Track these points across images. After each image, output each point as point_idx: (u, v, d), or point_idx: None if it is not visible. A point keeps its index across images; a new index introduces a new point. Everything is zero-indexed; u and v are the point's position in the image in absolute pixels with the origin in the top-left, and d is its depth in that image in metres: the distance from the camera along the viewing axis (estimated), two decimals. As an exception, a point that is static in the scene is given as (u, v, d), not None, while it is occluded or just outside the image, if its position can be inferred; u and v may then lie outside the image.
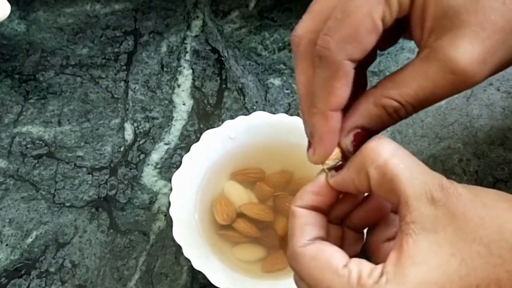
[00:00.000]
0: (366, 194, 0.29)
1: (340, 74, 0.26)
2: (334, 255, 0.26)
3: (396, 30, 0.28)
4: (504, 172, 0.48)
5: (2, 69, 0.54)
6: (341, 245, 0.29)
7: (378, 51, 0.29)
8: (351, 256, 0.29)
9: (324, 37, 0.26)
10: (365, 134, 0.28)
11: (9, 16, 0.50)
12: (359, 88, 0.29)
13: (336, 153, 0.28)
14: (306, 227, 0.28)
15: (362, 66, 0.28)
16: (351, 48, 0.26)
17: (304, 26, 0.28)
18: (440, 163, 0.48)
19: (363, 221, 0.30)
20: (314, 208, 0.28)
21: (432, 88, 0.26)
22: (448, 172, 0.48)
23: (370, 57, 0.29)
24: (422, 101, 0.26)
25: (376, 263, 0.29)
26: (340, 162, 0.28)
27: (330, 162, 0.28)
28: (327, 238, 0.28)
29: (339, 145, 0.28)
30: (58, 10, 0.58)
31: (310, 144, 0.29)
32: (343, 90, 0.26)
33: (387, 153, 0.25)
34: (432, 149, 0.49)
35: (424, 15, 0.26)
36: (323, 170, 0.29)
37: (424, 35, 0.26)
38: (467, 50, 0.25)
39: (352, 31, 0.25)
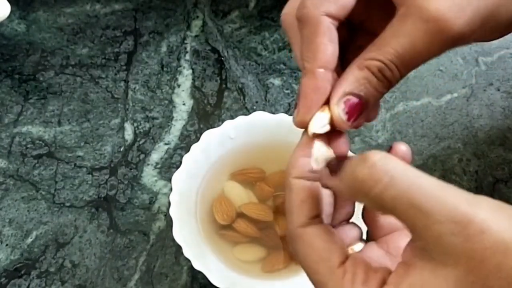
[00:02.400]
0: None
1: (320, 29, 0.26)
2: (332, 248, 0.25)
3: (384, 7, 0.28)
4: (504, 172, 0.48)
5: (2, 69, 0.54)
6: (334, 211, 0.29)
7: None
8: (344, 219, 0.29)
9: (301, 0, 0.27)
10: (358, 103, 0.26)
11: (9, 16, 0.50)
12: None
13: (324, 116, 0.27)
14: (304, 204, 0.26)
15: (359, 50, 0.28)
16: (327, 4, 0.26)
17: (290, 4, 0.29)
18: (440, 163, 0.48)
19: None
20: (312, 173, 0.27)
21: (410, 42, 0.25)
22: (448, 172, 0.48)
23: (366, 41, 0.28)
24: (404, 58, 0.26)
25: (372, 235, 0.29)
26: (328, 129, 0.27)
27: (316, 126, 0.27)
28: (322, 207, 0.27)
29: (329, 109, 0.27)
30: (58, 10, 0.58)
31: (295, 106, 0.28)
32: (327, 46, 0.26)
33: (379, 186, 0.22)
34: (432, 149, 0.49)
35: None
36: (307, 135, 0.27)
37: None
38: (447, 2, 0.24)
39: None
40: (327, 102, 0.27)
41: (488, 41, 0.29)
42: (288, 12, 0.29)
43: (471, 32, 0.25)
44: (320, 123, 0.27)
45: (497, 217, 0.21)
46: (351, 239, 0.29)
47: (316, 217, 0.27)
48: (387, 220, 0.29)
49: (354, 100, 0.26)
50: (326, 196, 0.29)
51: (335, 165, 0.26)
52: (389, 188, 0.22)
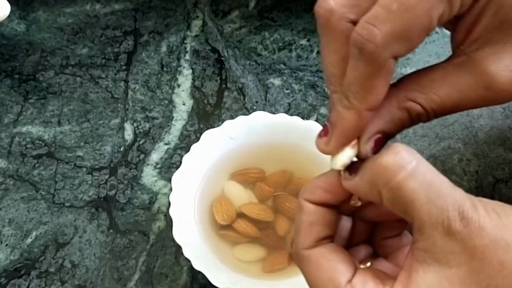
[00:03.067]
0: None
1: (382, 72, 0.23)
2: (338, 267, 0.25)
3: None
4: (505, 172, 0.48)
5: (2, 69, 0.53)
6: (350, 235, 0.29)
7: None
8: (358, 243, 0.28)
9: (370, 28, 0.22)
10: (384, 138, 0.26)
11: (9, 16, 0.50)
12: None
13: (350, 152, 0.26)
14: (313, 226, 0.26)
15: None
16: (399, 46, 0.22)
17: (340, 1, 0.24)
18: (440, 163, 0.48)
19: (374, 217, 0.28)
20: (324, 204, 0.27)
21: (460, 99, 0.24)
22: (448, 172, 0.47)
23: None
24: (447, 109, 0.24)
25: (380, 255, 0.29)
26: (354, 160, 0.26)
27: (341, 163, 0.26)
28: (335, 231, 0.27)
29: (357, 144, 0.26)
30: (58, 10, 0.58)
31: (325, 132, 0.26)
32: (382, 89, 0.24)
33: (402, 174, 0.22)
34: (432, 149, 0.49)
35: (477, 21, 0.24)
36: (336, 170, 0.27)
37: (466, 41, 0.24)
38: (507, 67, 0.23)
39: (405, 28, 0.22)
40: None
41: None
42: (333, 9, 0.24)
43: None
44: (346, 160, 0.26)
45: (497, 215, 0.22)
46: (364, 257, 0.29)
47: (323, 239, 0.26)
48: (395, 241, 0.28)
49: (383, 137, 0.25)
50: (345, 221, 0.29)
51: (355, 166, 0.26)
52: (412, 177, 0.22)
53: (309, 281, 0.26)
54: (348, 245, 0.29)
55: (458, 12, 0.23)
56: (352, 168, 0.26)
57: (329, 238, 0.27)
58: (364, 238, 0.29)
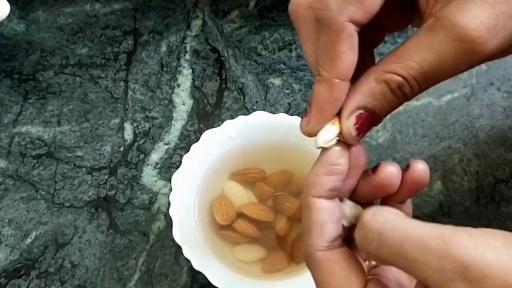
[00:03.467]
0: (369, 169, 0.27)
1: (343, 36, 0.24)
2: (351, 277, 0.25)
3: (405, 11, 0.26)
4: (505, 172, 0.48)
5: (2, 69, 0.53)
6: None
7: (386, 36, 0.28)
8: None
9: None
10: (369, 117, 0.25)
11: (8, 16, 0.50)
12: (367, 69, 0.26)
13: (333, 129, 0.25)
14: (325, 225, 0.25)
15: (369, 45, 0.27)
16: (352, 9, 0.23)
17: None
18: (440, 163, 0.48)
19: (369, 195, 0.28)
20: (332, 191, 0.26)
21: (437, 59, 0.24)
22: (449, 172, 0.47)
23: (377, 36, 0.27)
24: (427, 75, 0.24)
25: None
26: (335, 143, 0.26)
27: (323, 140, 0.25)
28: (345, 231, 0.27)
29: (339, 122, 0.25)
30: (58, 10, 0.58)
31: (305, 113, 0.26)
32: (348, 55, 0.24)
33: (373, 246, 0.22)
34: (432, 149, 0.49)
35: None
36: (323, 149, 0.26)
37: (429, 3, 0.24)
38: (475, 16, 0.23)
39: None
40: (338, 113, 0.25)
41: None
42: (300, 2, 0.25)
43: (500, 53, 0.24)
44: (328, 136, 0.25)
45: (500, 257, 0.20)
46: None
47: (335, 240, 0.26)
48: None
49: (366, 114, 0.25)
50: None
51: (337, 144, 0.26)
52: (382, 247, 0.22)
53: (319, 286, 0.25)
54: (350, 235, 0.29)
55: None
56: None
57: (340, 237, 0.26)
58: None
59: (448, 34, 0.23)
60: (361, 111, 0.25)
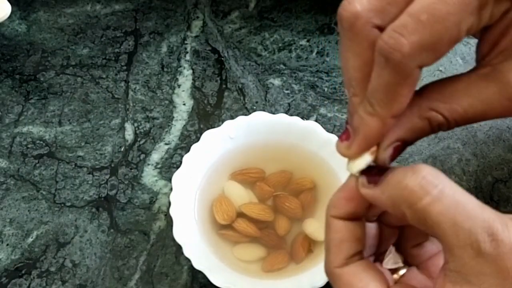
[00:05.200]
0: None
1: (408, 81, 0.23)
2: (371, 285, 0.25)
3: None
4: (504, 172, 0.48)
5: (3, 69, 0.54)
6: (378, 242, 0.29)
7: None
8: (386, 248, 0.28)
9: (397, 37, 0.22)
10: (403, 146, 0.26)
11: (9, 17, 0.50)
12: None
13: (369, 158, 0.25)
14: (343, 244, 0.26)
15: None
16: (426, 56, 0.22)
17: (363, 2, 0.23)
18: (439, 163, 0.48)
19: (398, 221, 0.28)
20: (351, 215, 0.26)
21: (483, 109, 0.24)
22: (448, 172, 0.48)
23: None
24: (469, 119, 0.24)
25: (411, 264, 0.28)
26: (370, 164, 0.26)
27: (360, 164, 0.26)
28: (365, 245, 0.27)
29: (376, 151, 0.26)
30: (59, 11, 0.58)
31: (346, 136, 0.26)
32: (407, 98, 0.23)
33: (428, 198, 0.22)
34: (431, 149, 0.49)
35: (505, 33, 0.23)
36: (353, 175, 0.26)
37: (492, 52, 0.24)
38: None
39: (434, 39, 0.21)
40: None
41: None
42: (359, 14, 0.23)
43: None
44: (363, 165, 0.26)
45: None
46: (395, 265, 0.29)
47: (354, 256, 0.26)
48: (422, 250, 0.28)
49: (400, 144, 0.25)
50: (370, 228, 0.29)
51: (375, 174, 0.25)
52: (437, 201, 0.22)
53: None
54: (378, 252, 0.29)
55: (486, 24, 0.23)
56: (370, 174, 0.25)
57: (360, 253, 0.27)
58: (392, 243, 0.29)
59: (503, 90, 0.23)
60: (399, 143, 0.25)
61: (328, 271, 0.26)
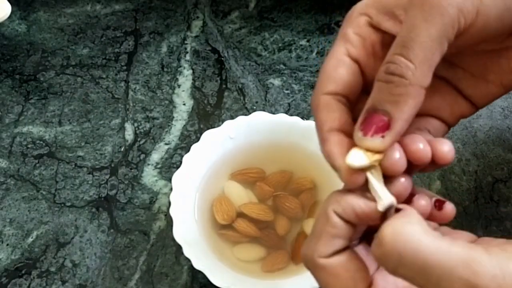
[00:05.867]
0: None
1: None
2: (356, 276, 0.25)
3: None
4: (504, 172, 0.48)
5: (3, 69, 0.54)
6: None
7: None
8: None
9: (403, 61, 0.24)
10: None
11: (9, 17, 0.50)
12: None
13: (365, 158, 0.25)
14: (336, 239, 0.26)
15: None
16: (429, 76, 0.24)
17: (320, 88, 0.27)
18: (439, 163, 0.48)
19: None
20: (353, 223, 0.26)
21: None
22: (448, 172, 0.48)
23: None
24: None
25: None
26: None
27: (361, 158, 0.25)
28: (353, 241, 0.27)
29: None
30: (59, 11, 0.58)
31: (377, 128, 0.25)
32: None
33: (391, 266, 0.23)
34: (431, 149, 0.49)
35: None
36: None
37: None
38: None
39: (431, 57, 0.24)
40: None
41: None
42: (361, 9, 0.27)
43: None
44: (364, 161, 0.25)
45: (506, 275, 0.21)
46: None
47: (340, 250, 0.26)
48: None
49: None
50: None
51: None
52: (402, 267, 0.22)
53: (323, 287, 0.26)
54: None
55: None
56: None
57: (347, 248, 0.27)
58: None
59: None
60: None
61: (309, 259, 0.26)
